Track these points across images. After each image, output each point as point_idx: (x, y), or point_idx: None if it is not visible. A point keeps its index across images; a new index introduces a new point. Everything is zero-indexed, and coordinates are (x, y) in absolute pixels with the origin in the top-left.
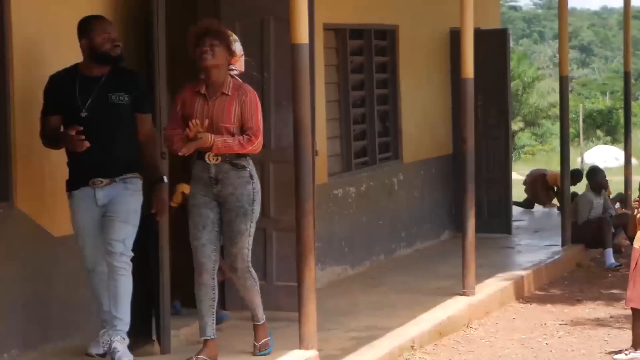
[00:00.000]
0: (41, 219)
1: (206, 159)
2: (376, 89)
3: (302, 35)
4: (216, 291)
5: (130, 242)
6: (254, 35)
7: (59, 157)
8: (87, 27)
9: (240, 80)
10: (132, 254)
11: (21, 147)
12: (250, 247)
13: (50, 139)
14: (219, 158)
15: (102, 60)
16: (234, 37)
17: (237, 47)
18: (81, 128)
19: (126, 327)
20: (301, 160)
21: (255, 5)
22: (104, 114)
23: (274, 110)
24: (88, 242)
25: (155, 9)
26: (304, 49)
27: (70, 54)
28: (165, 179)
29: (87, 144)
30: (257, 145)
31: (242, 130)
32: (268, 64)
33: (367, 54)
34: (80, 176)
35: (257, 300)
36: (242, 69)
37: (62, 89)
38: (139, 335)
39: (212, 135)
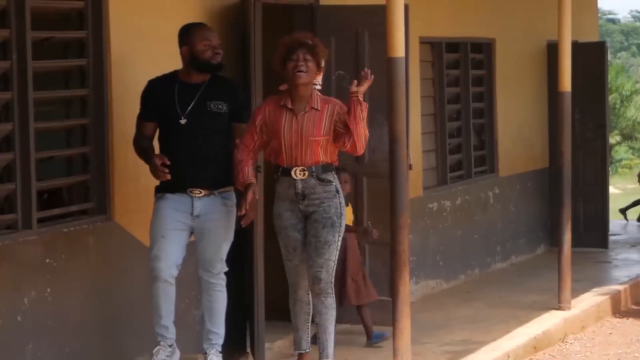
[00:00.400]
0: (136, 231)
1: (292, 174)
2: (472, 103)
3: (398, 48)
4: (311, 306)
5: (224, 258)
6: (348, 49)
7: None
8: (188, 34)
9: (322, 95)
10: (227, 268)
11: (118, 160)
12: (336, 260)
13: (141, 151)
14: (306, 172)
15: (202, 67)
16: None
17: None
18: (168, 162)
19: (221, 341)
20: (396, 174)
21: (350, 18)
22: (203, 122)
23: (368, 124)
24: (167, 250)
25: (252, 20)
26: (400, 62)
27: (167, 65)
28: (255, 183)
29: (168, 177)
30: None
31: (334, 141)
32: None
33: (463, 67)
34: (178, 183)
35: (331, 328)
36: (320, 80)
37: (160, 95)
38: (234, 348)
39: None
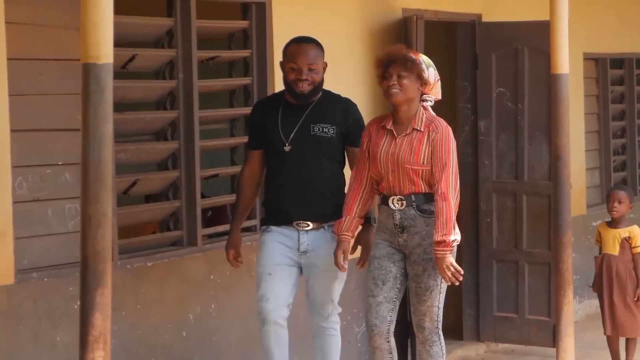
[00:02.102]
0: None
1: (390, 203)
2: (638, 120)
3: (562, 65)
4: (394, 354)
5: (338, 298)
6: (508, 66)
7: None
8: (284, 51)
9: (434, 114)
10: (340, 310)
11: None
12: (441, 306)
13: (237, 197)
14: (404, 202)
15: (288, 91)
16: (427, 61)
17: (431, 73)
18: (241, 262)
19: None
20: (559, 192)
21: (510, 35)
22: (307, 148)
23: (528, 142)
24: (275, 289)
25: (414, 36)
26: (564, 79)
27: (328, 85)
28: (375, 219)
29: (238, 266)
30: (456, 196)
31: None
32: (522, 94)
33: (628, 83)
34: (284, 215)
35: None
36: (439, 97)
37: (264, 119)
38: None
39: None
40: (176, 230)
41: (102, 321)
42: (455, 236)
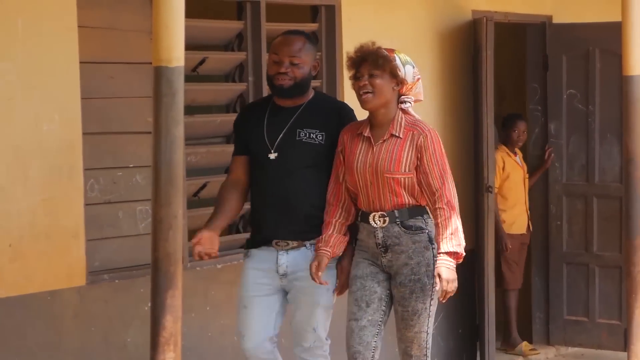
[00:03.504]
0: None
1: (371, 221)
2: None
3: (634, 66)
4: None
5: (325, 328)
6: (579, 67)
7: None
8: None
9: (416, 116)
10: (329, 341)
11: None
12: (430, 331)
13: (216, 203)
14: (386, 219)
15: (269, 87)
16: (404, 58)
17: (409, 71)
18: (209, 252)
19: None
20: (631, 194)
21: (581, 36)
22: (293, 156)
23: (599, 144)
24: (250, 325)
25: (483, 38)
26: (636, 80)
27: None
28: (324, 259)
29: (205, 259)
30: (456, 207)
31: (419, 182)
32: (593, 96)
33: None
34: (263, 234)
35: None
36: (420, 98)
37: (250, 123)
38: None
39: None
40: (245, 232)
41: (172, 323)
42: (463, 251)
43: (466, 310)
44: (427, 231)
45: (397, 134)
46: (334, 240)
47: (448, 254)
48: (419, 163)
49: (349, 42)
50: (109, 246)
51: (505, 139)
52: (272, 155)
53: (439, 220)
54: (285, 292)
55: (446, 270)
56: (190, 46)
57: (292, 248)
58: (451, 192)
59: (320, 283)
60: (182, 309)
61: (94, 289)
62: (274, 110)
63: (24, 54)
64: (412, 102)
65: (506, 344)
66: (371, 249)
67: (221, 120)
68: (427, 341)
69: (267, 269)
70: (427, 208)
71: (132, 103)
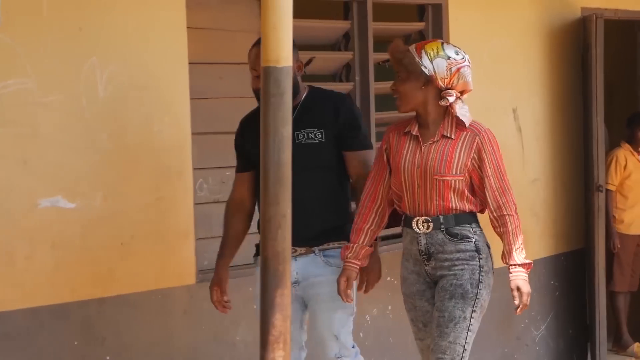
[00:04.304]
0: None
1: (414, 226)
2: None
3: None
4: None
5: (348, 334)
6: None
7: None
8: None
9: (463, 117)
10: (353, 348)
11: None
12: (468, 347)
13: (224, 230)
14: (431, 225)
15: (258, 103)
16: (433, 52)
17: (439, 65)
18: (228, 304)
19: None
20: None
21: None
22: (294, 161)
23: None
24: None
25: (593, 36)
26: None
27: (505, 87)
28: (354, 270)
29: (226, 311)
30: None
31: (471, 185)
32: None
33: None
34: None
35: None
36: (468, 89)
37: (249, 135)
38: None
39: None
40: None
41: (282, 321)
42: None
43: (576, 311)
44: (473, 240)
45: (448, 135)
46: (364, 252)
47: (522, 265)
48: (475, 166)
49: (456, 42)
50: (218, 245)
51: (629, 137)
52: None
53: (509, 229)
54: (304, 301)
55: (523, 282)
56: (297, 46)
57: (301, 255)
58: (513, 199)
59: (347, 301)
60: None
61: (203, 287)
62: None
63: (134, 55)
64: (456, 96)
65: (617, 345)
66: (414, 256)
67: None
68: (462, 357)
69: None
70: (477, 217)
71: (240, 103)
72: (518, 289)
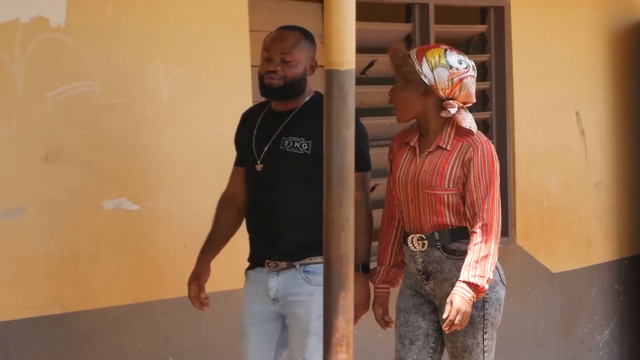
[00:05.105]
0: (539, 254)
1: (409, 243)
2: None
3: None
4: None
5: (318, 357)
6: None
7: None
8: None
9: (471, 127)
10: None
11: (520, 182)
12: None
13: (213, 225)
14: (425, 242)
15: (259, 88)
16: (434, 60)
17: (440, 74)
18: (206, 302)
19: None
20: None
21: None
22: (277, 167)
23: None
24: (250, 350)
25: None
26: None
27: (570, 91)
28: (367, 268)
29: (204, 309)
30: (497, 235)
31: (464, 201)
32: None
33: None
34: (254, 253)
35: None
36: (470, 101)
37: (245, 130)
38: None
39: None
40: None
41: (345, 324)
42: (487, 284)
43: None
44: None
45: (444, 146)
46: (392, 274)
47: (467, 283)
48: (465, 179)
49: (519, 45)
50: None
51: None
52: (259, 167)
53: (471, 244)
54: (283, 321)
55: (459, 299)
56: (358, 49)
57: (282, 269)
58: (492, 214)
59: (385, 328)
60: None
61: None
62: (267, 115)
63: (198, 59)
64: (458, 107)
65: None
66: (414, 275)
67: (390, 122)
68: None
69: (260, 293)
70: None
71: None
72: (450, 302)
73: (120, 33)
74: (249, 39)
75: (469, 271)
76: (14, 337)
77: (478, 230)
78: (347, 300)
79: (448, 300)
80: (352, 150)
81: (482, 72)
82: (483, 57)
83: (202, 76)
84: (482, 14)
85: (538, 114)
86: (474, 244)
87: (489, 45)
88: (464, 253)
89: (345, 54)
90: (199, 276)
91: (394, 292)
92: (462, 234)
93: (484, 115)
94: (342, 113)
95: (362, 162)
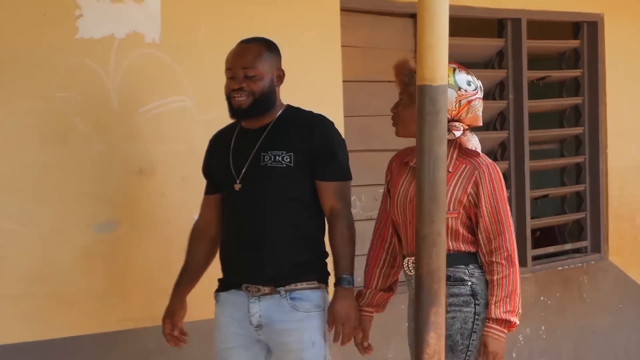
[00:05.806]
0: (632, 271)
1: (405, 266)
2: None
3: None
4: None
5: None
6: None
7: None
8: None
9: (475, 148)
10: None
11: (613, 198)
12: None
13: (186, 259)
14: None
15: (228, 109)
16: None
17: (448, 95)
18: (183, 338)
19: None
20: None
21: None
22: (258, 185)
23: None
24: None
25: None
26: None
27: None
28: (351, 280)
29: (180, 344)
30: (517, 263)
31: (469, 225)
32: None
33: None
34: (232, 275)
35: None
36: (477, 124)
37: (216, 154)
38: None
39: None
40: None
41: (436, 340)
42: (518, 318)
43: None
44: (470, 283)
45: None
46: (379, 298)
47: (498, 321)
48: (472, 203)
49: (612, 59)
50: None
51: None
52: (237, 187)
53: (495, 277)
54: (267, 347)
55: (492, 341)
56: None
57: (265, 294)
58: (513, 243)
59: (366, 353)
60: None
61: None
62: (240, 135)
63: (289, 73)
64: (463, 129)
65: None
66: (412, 301)
67: (481, 137)
68: None
69: (240, 318)
70: (478, 257)
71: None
72: (485, 346)
73: (213, 48)
74: (341, 55)
75: (498, 308)
76: (106, 349)
77: (504, 262)
78: (438, 316)
79: (482, 343)
80: (444, 166)
81: (575, 88)
82: (576, 72)
83: (294, 91)
84: (574, 28)
85: (631, 130)
86: (503, 277)
87: (582, 60)
88: (458, 280)
89: (437, 69)
90: (172, 313)
91: (380, 316)
92: (459, 260)
93: (577, 130)
94: (434, 129)
95: (342, 172)
